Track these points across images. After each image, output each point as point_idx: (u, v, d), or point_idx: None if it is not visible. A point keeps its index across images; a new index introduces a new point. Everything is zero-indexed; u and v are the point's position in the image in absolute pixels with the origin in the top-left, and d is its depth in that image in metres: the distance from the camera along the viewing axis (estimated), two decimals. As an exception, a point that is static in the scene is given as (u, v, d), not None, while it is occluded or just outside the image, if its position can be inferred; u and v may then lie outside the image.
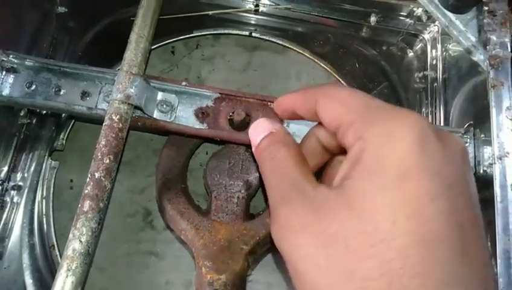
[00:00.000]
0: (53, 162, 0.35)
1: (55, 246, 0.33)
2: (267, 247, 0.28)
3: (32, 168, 0.35)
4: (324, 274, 0.17)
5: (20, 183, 0.35)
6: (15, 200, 0.34)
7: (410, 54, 0.44)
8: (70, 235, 0.25)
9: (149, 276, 0.34)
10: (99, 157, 0.27)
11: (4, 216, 0.34)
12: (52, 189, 0.34)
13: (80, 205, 0.26)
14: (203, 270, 0.25)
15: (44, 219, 0.34)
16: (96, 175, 0.26)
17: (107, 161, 0.27)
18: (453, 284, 0.16)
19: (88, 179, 0.26)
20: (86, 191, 0.26)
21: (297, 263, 0.18)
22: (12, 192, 0.35)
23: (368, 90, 0.42)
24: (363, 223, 0.17)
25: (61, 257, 0.33)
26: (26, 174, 0.35)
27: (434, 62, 0.41)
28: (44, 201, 0.34)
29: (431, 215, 0.16)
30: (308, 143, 0.23)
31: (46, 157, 0.35)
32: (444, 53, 0.40)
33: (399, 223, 0.16)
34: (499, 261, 0.25)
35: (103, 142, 0.27)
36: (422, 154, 0.17)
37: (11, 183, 0.35)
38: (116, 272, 0.33)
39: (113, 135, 0.27)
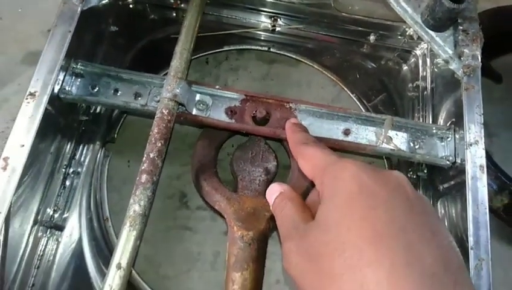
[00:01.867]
0: (106, 152, 0.42)
1: (109, 219, 0.40)
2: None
3: (88, 157, 0.42)
4: (315, 282, 0.23)
5: (79, 169, 0.42)
6: (74, 183, 0.42)
7: (405, 67, 0.51)
8: (131, 201, 0.32)
9: (184, 247, 0.40)
10: (153, 141, 0.34)
11: (66, 195, 0.41)
12: (105, 174, 0.42)
13: (138, 178, 0.33)
14: (235, 228, 0.32)
15: (99, 198, 0.41)
16: (151, 155, 0.33)
17: (159, 144, 0.34)
18: (400, 268, 0.20)
19: (144, 158, 0.33)
20: (143, 168, 0.33)
21: (299, 279, 0.24)
22: (72, 176, 0.42)
23: (368, 98, 0.49)
24: (328, 235, 0.23)
25: (113, 228, 0.40)
26: (83, 162, 0.42)
27: (424, 74, 0.48)
28: (99, 184, 0.41)
29: (373, 220, 0.22)
30: (311, 197, 0.31)
31: (100, 148, 0.43)
32: (432, 66, 0.47)
33: (352, 229, 0.22)
34: (469, 225, 0.32)
35: (156, 130, 0.34)
36: (359, 184, 0.24)
37: (72, 169, 0.42)
38: (157, 243, 0.40)
39: (164, 125, 0.35)
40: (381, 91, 0.50)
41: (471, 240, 0.31)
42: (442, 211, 0.40)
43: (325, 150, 0.30)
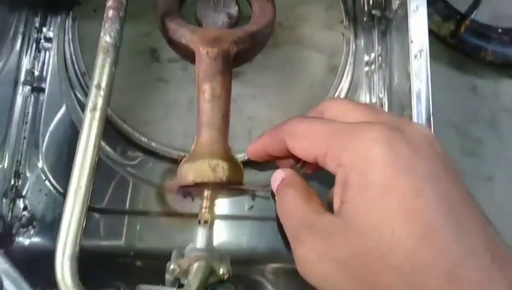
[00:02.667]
0: (74, 14, 0.44)
1: (86, 73, 0.42)
2: (246, 45, 0.38)
3: (58, 21, 0.44)
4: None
5: (50, 34, 0.44)
6: (47, 46, 0.44)
7: None
8: (102, 34, 0.34)
9: (160, 95, 0.44)
10: (115, -21, 0.36)
11: (41, 59, 0.43)
12: (76, 35, 0.43)
13: (105, 15, 0.35)
14: (200, 49, 0.35)
15: (75, 58, 0.43)
16: (114, -8, 0.35)
17: (121, -18, 0.36)
18: (459, 264, 0.17)
19: (108, -4, 0.35)
20: (108, 5, 0.35)
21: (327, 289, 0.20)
22: (44, 43, 0.44)
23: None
24: (368, 240, 0.19)
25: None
26: (53, 27, 0.44)
27: None
28: (72, 43, 0.43)
29: (420, 210, 0.18)
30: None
31: (67, 13, 0.44)
32: None
33: (397, 230, 0.18)
34: (410, 26, 0.35)
35: (116, -30, 0.36)
36: (394, 160, 0.19)
37: (43, 35, 0.44)
38: (134, 93, 0.43)
39: (123, -35, 0.36)
40: None
41: (412, 45, 0.35)
42: (394, 43, 0.43)
43: (326, 120, 0.23)
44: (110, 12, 0.35)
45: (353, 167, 0.20)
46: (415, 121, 0.34)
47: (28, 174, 0.41)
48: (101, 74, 0.33)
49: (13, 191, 0.40)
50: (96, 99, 0.32)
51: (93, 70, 0.33)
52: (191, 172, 0.31)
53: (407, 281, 0.18)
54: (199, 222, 0.32)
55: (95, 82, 0.33)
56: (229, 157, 0.32)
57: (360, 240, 0.19)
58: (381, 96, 0.44)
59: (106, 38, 0.34)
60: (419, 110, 0.35)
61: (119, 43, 0.35)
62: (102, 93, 0.33)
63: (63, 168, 0.41)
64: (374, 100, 0.45)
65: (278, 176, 0.26)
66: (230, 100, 0.35)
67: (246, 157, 0.41)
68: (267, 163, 0.32)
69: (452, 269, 0.18)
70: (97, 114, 0.32)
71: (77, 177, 0.30)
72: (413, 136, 0.21)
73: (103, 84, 0.33)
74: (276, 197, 0.26)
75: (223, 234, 0.40)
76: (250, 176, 0.41)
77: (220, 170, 0.31)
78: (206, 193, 0.32)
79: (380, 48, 0.46)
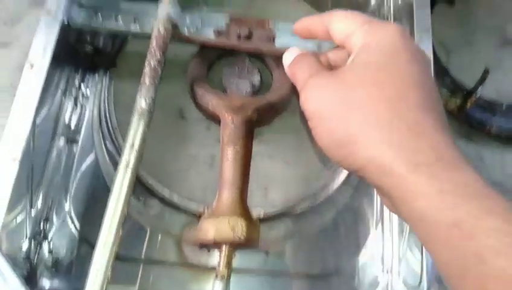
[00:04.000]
0: (111, 75, 0.49)
1: (117, 128, 0.46)
2: (268, 113, 0.41)
3: (95, 80, 0.49)
4: (341, 110, 0.25)
5: (88, 91, 0.48)
6: (84, 102, 0.48)
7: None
8: (137, 98, 0.38)
9: (184, 149, 0.47)
10: (153, 52, 0.40)
11: (77, 114, 0.48)
12: (112, 94, 0.48)
13: (142, 80, 0.39)
14: (226, 115, 0.39)
15: (108, 114, 0.47)
16: (152, 63, 0.39)
17: (158, 55, 0.40)
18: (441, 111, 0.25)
19: (146, 64, 0.39)
20: (146, 72, 0.39)
21: (321, 109, 0.26)
22: (82, 98, 0.48)
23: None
24: (373, 72, 0.25)
25: (122, 137, 0.46)
26: (90, 85, 0.49)
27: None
28: (107, 100, 0.47)
29: (418, 67, 0.25)
30: (336, 53, 0.32)
31: (104, 73, 0.49)
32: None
33: (402, 72, 0.25)
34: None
35: (154, 43, 0.40)
36: (403, 38, 0.26)
37: (81, 92, 0.48)
38: (160, 147, 0.46)
39: (161, 39, 0.40)
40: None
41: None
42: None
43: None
44: (146, 80, 0.39)
45: (373, 32, 0.26)
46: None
47: (54, 219, 0.43)
48: (135, 134, 0.37)
49: (41, 234, 0.42)
50: (129, 157, 0.36)
51: (128, 130, 0.37)
52: (211, 230, 0.33)
53: (394, 111, 0.23)
54: (216, 276, 0.34)
55: (130, 142, 0.36)
56: (247, 216, 0.35)
57: (366, 71, 0.25)
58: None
59: (142, 104, 0.38)
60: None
61: (153, 109, 0.39)
62: (134, 152, 0.36)
63: (88, 214, 0.43)
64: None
65: (295, 50, 0.32)
66: (250, 161, 0.38)
67: (262, 214, 0.44)
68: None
69: (439, 114, 0.24)
70: (129, 171, 0.35)
71: (106, 231, 0.33)
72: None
73: (136, 145, 0.36)
74: (293, 64, 0.31)
75: (236, 288, 0.42)
76: (264, 231, 0.44)
77: (239, 229, 0.33)
78: (224, 248, 0.34)
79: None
